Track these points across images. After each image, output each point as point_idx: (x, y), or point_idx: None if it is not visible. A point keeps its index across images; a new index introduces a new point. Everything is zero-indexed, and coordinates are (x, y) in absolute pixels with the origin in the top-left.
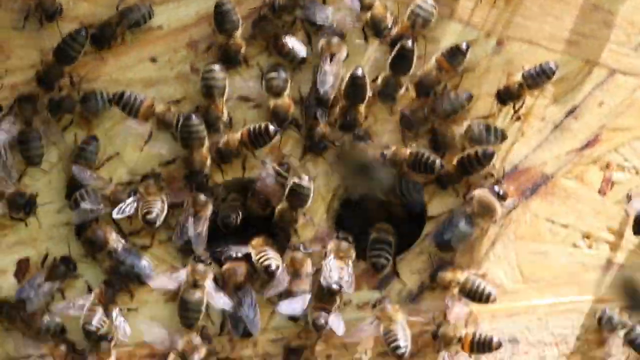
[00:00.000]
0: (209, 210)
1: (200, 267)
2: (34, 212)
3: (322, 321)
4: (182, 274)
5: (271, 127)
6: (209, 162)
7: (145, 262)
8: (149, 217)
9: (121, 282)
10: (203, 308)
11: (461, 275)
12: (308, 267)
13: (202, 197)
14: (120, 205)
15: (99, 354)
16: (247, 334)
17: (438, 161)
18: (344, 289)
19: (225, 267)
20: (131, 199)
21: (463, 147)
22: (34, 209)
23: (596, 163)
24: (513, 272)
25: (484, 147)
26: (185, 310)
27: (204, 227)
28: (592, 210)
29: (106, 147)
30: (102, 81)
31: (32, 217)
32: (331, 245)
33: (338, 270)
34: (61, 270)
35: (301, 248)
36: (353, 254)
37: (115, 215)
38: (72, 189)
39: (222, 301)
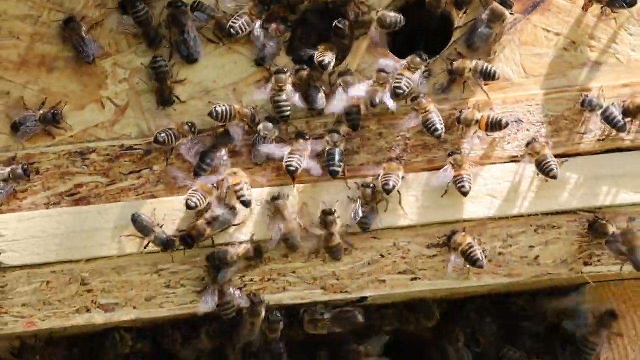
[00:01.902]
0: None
1: (282, 75)
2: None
3: (378, 100)
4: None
5: None
6: None
7: (200, 50)
8: (232, 30)
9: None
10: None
11: (472, 62)
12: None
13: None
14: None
15: None
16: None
17: None
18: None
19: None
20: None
21: None
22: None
23: None
24: (518, 69)
25: None
26: (278, 107)
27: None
28: (577, 22)
29: None
30: None
31: None
32: (408, 59)
33: (407, 77)
34: None
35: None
36: (423, 68)
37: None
38: None
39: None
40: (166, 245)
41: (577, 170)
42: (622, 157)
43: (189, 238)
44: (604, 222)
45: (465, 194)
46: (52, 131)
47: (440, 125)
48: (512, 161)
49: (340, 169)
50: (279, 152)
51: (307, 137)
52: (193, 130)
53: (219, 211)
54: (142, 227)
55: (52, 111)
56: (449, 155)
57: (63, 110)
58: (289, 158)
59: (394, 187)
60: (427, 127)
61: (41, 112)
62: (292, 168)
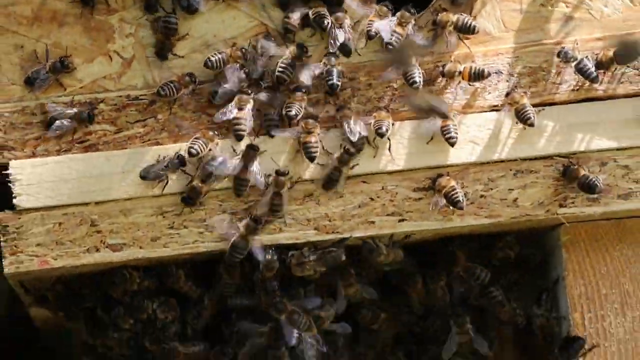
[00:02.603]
0: None
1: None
2: None
3: (373, 32)
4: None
5: None
6: None
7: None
8: None
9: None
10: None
11: (454, 16)
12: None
13: None
14: None
15: None
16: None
17: None
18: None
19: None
20: None
21: None
22: None
23: None
24: (498, 24)
25: None
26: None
27: None
28: None
29: None
30: None
31: None
32: (398, 13)
33: (398, 32)
34: None
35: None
36: (413, 21)
37: None
38: None
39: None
40: (183, 160)
41: (553, 118)
42: (594, 106)
43: (188, 198)
44: (576, 167)
45: (452, 145)
46: (63, 82)
47: (418, 78)
48: (493, 110)
49: (339, 83)
50: (277, 100)
51: (304, 90)
52: (193, 80)
53: (209, 167)
54: (155, 176)
55: (60, 59)
56: None
57: (72, 60)
58: (288, 105)
59: (387, 131)
60: (407, 79)
61: (49, 62)
62: (291, 113)
